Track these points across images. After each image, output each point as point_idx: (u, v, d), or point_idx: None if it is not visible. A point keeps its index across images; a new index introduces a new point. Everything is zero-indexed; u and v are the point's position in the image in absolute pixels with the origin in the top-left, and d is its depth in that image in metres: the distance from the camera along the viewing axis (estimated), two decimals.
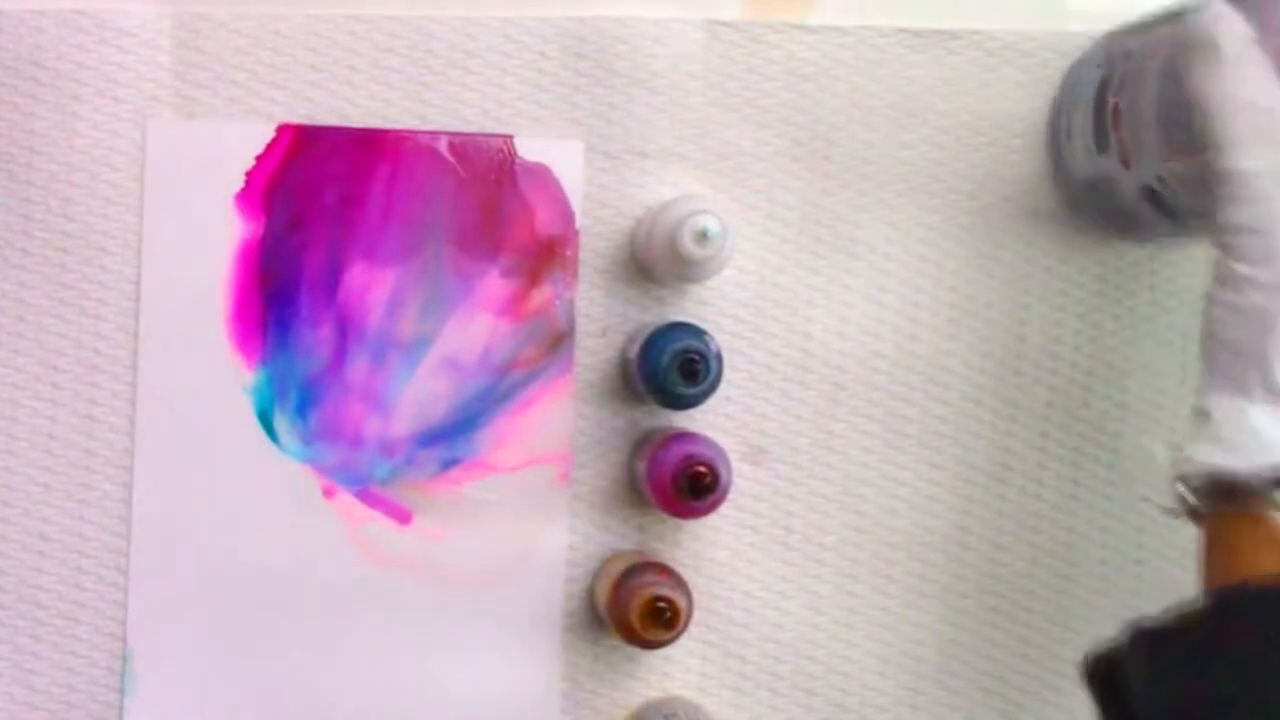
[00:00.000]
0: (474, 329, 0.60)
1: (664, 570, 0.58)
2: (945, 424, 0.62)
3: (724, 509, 0.61)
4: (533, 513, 0.60)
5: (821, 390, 0.62)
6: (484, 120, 0.60)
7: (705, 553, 0.61)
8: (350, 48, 0.60)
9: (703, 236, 0.54)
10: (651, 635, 0.55)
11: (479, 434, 0.60)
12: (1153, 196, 0.55)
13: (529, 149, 0.60)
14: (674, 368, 0.55)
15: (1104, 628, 0.52)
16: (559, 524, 0.60)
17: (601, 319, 0.61)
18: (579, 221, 0.60)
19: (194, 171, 0.59)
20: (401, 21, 0.60)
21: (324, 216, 0.60)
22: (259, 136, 0.60)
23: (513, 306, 0.60)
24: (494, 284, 0.60)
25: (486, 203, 0.60)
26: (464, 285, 0.60)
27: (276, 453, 0.60)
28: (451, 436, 0.60)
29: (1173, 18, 0.54)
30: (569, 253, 0.60)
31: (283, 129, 0.60)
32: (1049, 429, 0.62)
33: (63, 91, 0.59)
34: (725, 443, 0.61)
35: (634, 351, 0.58)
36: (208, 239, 0.59)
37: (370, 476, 0.60)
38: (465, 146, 0.60)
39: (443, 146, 0.60)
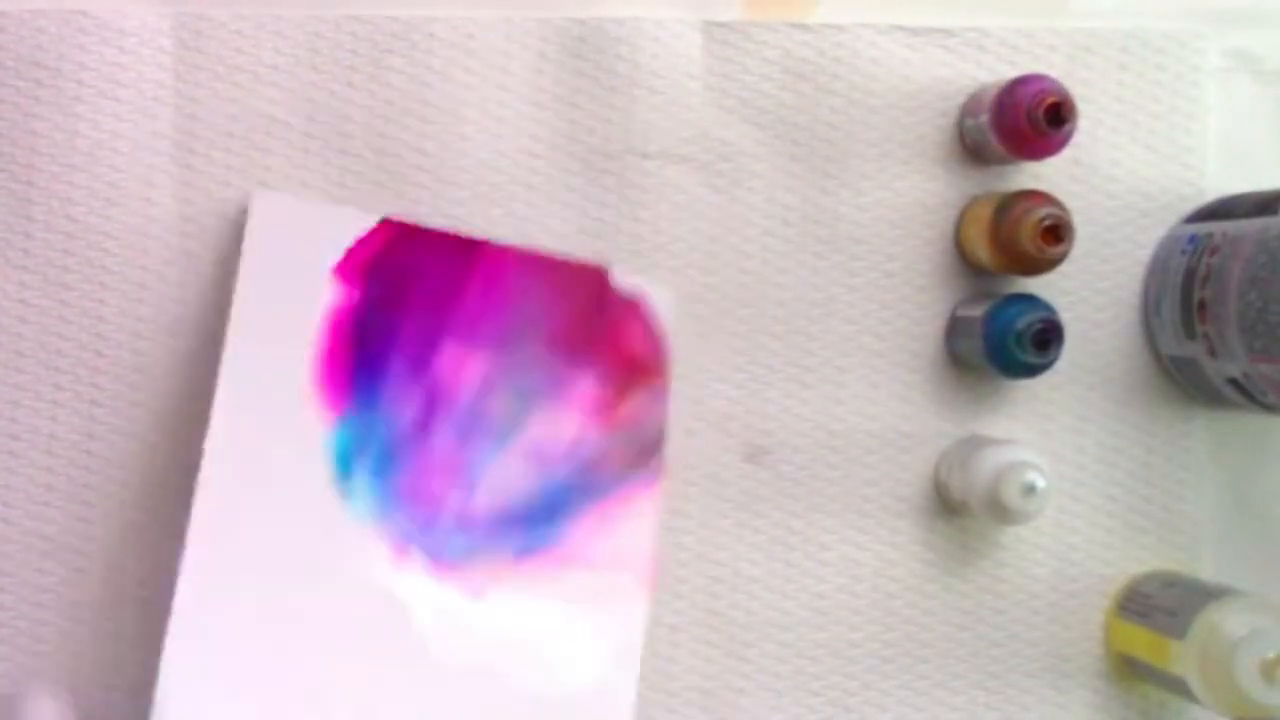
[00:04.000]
0: (564, 423, 0.59)
1: (1040, 196, 0.58)
2: (945, 422, 0.62)
3: (724, 509, 0.61)
4: (607, 617, 0.59)
5: (823, 390, 0.62)
6: (484, 119, 0.60)
7: (706, 553, 0.61)
8: (350, 48, 0.60)
9: (1030, 491, 0.56)
10: (1048, 253, 0.57)
11: (559, 526, 0.59)
12: (1240, 387, 0.56)
13: (624, 281, 0.60)
14: (1027, 337, 0.57)
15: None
16: (635, 635, 0.59)
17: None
18: (670, 355, 0.60)
19: (294, 242, 0.58)
20: (401, 21, 0.60)
21: (421, 298, 0.59)
22: (360, 224, 0.59)
23: (603, 411, 0.59)
24: (586, 387, 0.59)
25: (580, 321, 0.59)
26: (555, 382, 0.59)
27: (348, 511, 0.58)
28: (531, 524, 0.59)
29: (1261, 208, 0.54)
30: (663, 375, 0.60)
31: (384, 224, 0.59)
32: (1050, 428, 0.62)
33: (64, 91, 0.59)
34: (726, 443, 0.61)
35: (976, 314, 0.59)
36: (302, 299, 0.58)
37: (444, 549, 0.58)
38: (563, 269, 0.59)
39: (541, 266, 0.59)
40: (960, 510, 0.60)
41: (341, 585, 0.57)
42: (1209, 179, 0.62)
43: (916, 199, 0.62)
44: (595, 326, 0.59)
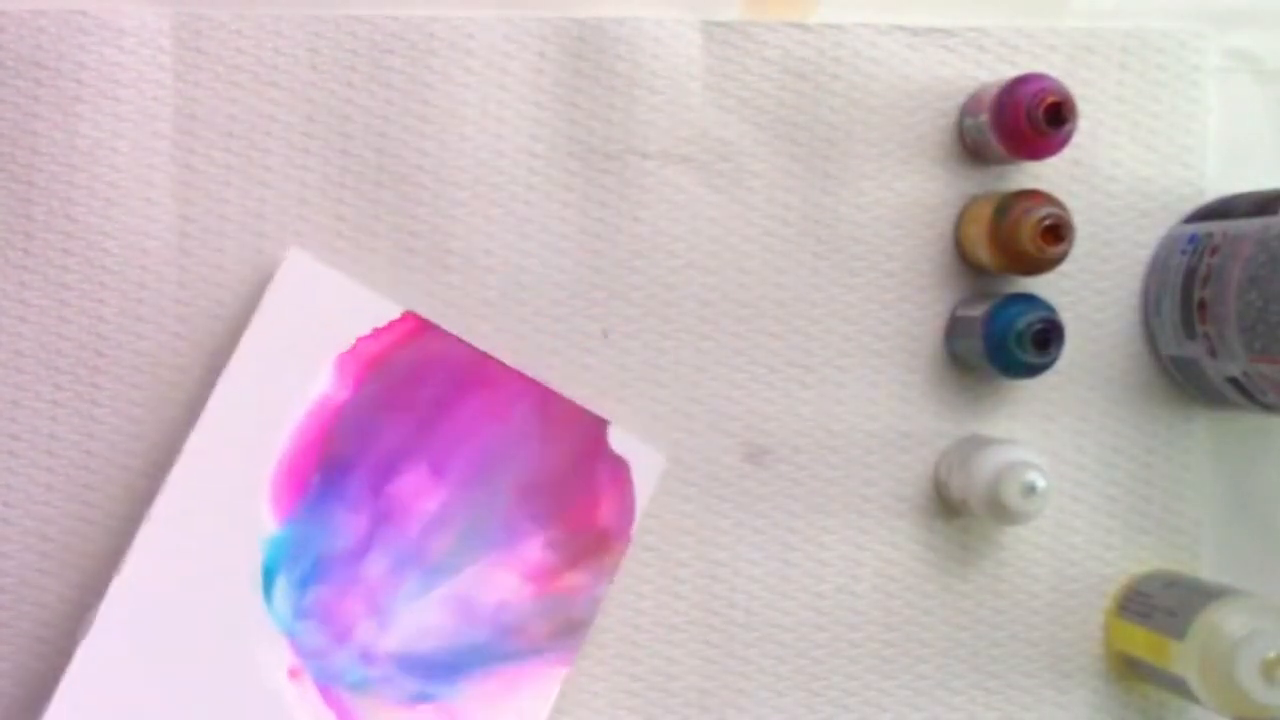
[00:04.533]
0: (498, 581, 0.58)
1: (1040, 196, 0.58)
2: (945, 422, 0.62)
3: (724, 509, 0.61)
4: None
5: (823, 390, 0.62)
6: (484, 120, 0.60)
7: (706, 553, 0.61)
8: (350, 48, 0.60)
9: (1030, 491, 0.56)
10: (1048, 253, 0.56)
11: (460, 683, 0.58)
12: (1240, 387, 0.56)
13: (618, 441, 0.59)
14: (1027, 337, 0.57)
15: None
16: None
17: None
18: (633, 531, 0.59)
19: (311, 314, 0.58)
20: (401, 21, 0.60)
21: (408, 411, 0.58)
22: (382, 314, 0.59)
23: (543, 577, 0.59)
24: (534, 548, 0.59)
25: (560, 470, 0.59)
26: (507, 536, 0.59)
27: (264, 612, 0.57)
28: (431, 673, 0.58)
29: (1261, 207, 0.54)
30: (614, 555, 0.59)
31: (407, 316, 0.59)
32: (1050, 428, 0.62)
33: (64, 92, 0.59)
34: (726, 443, 0.61)
35: (978, 314, 0.59)
36: (294, 382, 0.58)
37: (340, 677, 0.58)
38: (563, 410, 0.59)
39: (542, 400, 0.59)
40: (960, 510, 0.60)
41: (236, 681, 0.57)
42: (1209, 179, 0.62)
43: (916, 199, 0.62)
44: (572, 485, 0.59)
